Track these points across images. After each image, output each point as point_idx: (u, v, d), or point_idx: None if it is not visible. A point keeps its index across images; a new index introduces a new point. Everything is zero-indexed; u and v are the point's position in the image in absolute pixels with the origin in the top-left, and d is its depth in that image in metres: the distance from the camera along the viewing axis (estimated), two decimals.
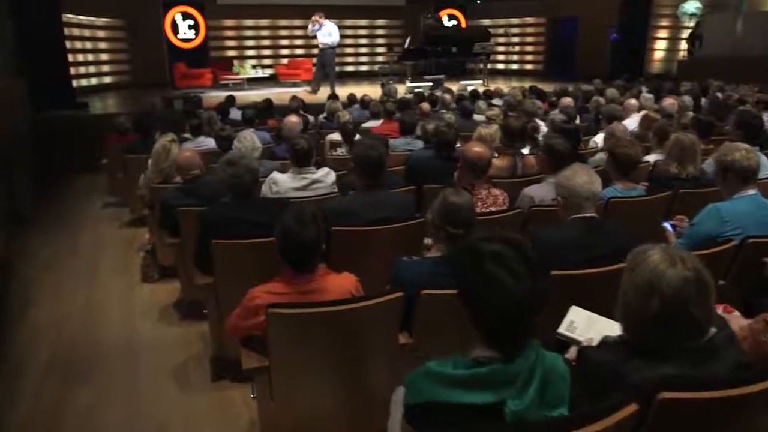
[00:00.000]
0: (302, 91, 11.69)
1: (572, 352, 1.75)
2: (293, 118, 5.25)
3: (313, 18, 12.27)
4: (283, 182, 3.47)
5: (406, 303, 2.03)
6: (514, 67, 19.11)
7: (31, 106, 8.93)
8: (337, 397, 2.07)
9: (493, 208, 3.06)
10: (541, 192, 3.23)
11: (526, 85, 11.92)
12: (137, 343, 3.57)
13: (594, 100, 7.68)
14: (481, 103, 7.80)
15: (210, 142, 5.86)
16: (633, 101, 7.04)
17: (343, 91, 9.51)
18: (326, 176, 3.62)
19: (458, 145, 4.11)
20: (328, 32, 12.18)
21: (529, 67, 18.91)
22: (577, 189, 2.29)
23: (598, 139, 5.29)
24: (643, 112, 6.65)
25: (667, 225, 3.07)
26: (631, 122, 6.16)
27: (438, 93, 9.79)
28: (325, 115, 7.46)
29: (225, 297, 2.75)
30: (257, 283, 2.57)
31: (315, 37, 12.44)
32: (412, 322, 2.06)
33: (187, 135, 6.18)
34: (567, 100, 7.45)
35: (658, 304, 1.33)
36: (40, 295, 4.33)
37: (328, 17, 12.41)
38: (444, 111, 7.42)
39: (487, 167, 3.08)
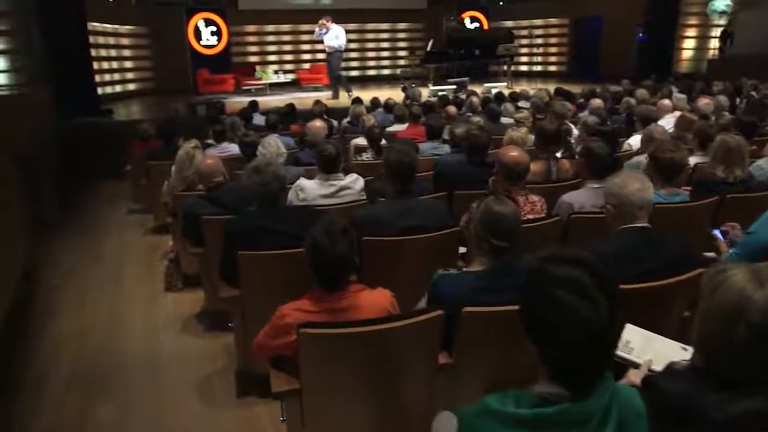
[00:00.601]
0: (323, 96, 11.58)
1: (632, 377, 1.59)
2: (318, 123, 5.14)
3: (321, 21, 12.15)
4: (310, 189, 3.35)
5: (446, 320, 1.89)
6: (538, 68, 18.82)
7: (57, 113, 8.99)
8: (372, 422, 1.93)
9: (530, 216, 2.90)
10: (580, 198, 3.06)
11: (550, 86, 11.71)
12: (160, 356, 3.48)
13: (624, 101, 7.46)
14: (508, 106, 7.62)
15: (233, 148, 5.79)
16: (666, 102, 6.81)
17: (365, 95, 9.40)
18: (354, 183, 3.49)
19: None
20: (335, 35, 12.05)
21: (552, 68, 18.62)
22: (630, 197, 2.13)
23: (633, 141, 5.09)
24: (677, 113, 6.43)
25: (717, 233, 2.87)
26: (666, 123, 5.93)
27: (463, 96, 9.64)
28: (349, 119, 7.35)
29: (251, 310, 2.63)
30: (285, 296, 2.45)
31: (322, 41, 12.34)
32: (453, 341, 1.91)
33: (210, 141, 6.13)
34: (597, 102, 7.25)
35: (746, 331, 1.16)
36: (63, 304, 4.28)
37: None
38: (470, 114, 7.27)
39: (524, 173, 2.92)
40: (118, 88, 13.73)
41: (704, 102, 6.70)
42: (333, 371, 1.82)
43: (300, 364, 1.77)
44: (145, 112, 11.59)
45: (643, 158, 4.19)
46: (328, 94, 12.66)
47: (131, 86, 14.34)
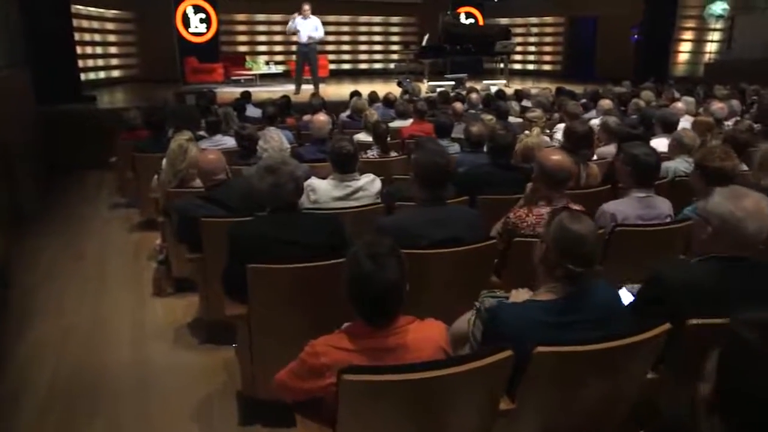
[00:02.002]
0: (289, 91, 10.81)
1: None
2: (322, 117, 4.80)
3: (305, 8, 10.99)
4: (323, 190, 3.02)
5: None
6: (531, 67, 18.61)
7: (36, 98, 8.52)
8: None
9: None
10: (624, 208, 2.78)
11: (546, 86, 11.45)
12: (150, 372, 3.12)
13: (633, 103, 7.21)
14: (514, 104, 7.33)
15: (228, 141, 5.43)
16: (681, 105, 6.58)
17: (356, 89, 8.98)
18: (371, 184, 3.17)
19: None
20: (314, 27, 11.02)
21: (547, 67, 18.41)
22: (743, 221, 1.74)
23: (655, 144, 4.82)
24: (689, 117, 6.20)
25: None
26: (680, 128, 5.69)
27: (462, 92, 9.34)
28: (348, 113, 7.00)
29: (260, 330, 2.31)
30: (301, 316, 2.13)
31: (295, 32, 11.05)
32: (518, 384, 1.59)
33: (202, 133, 5.74)
34: (606, 103, 6.97)
35: None
36: (40, 308, 3.89)
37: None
38: (473, 111, 6.97)
39: (567, 179, 2.62)
40: (101, 75, 13.20)
41: (718, 106, 6.47)
42: (376, 421, 1.50)
43: (339, 413, 1.44)
44: (130, 100, 11.10)
45: (673, 164, 3.93)
46: (321, 86, 12.24)
47: (115, 73, 13.81)
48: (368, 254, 1.54)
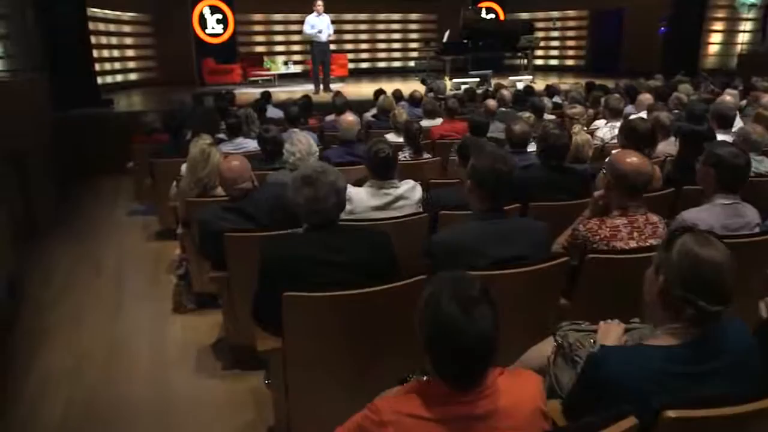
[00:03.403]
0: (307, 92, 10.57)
1: None
2: (350, 117, 4.48)
3: (318, 4, 10.67)
4: (359, 199, 2.69)
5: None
6: (553, 62, 18.11)
7: (54, 103, 8.34)
8: None
9: (652, 242, 2.24)
10: (706, 217, 2.42)
11: (570, 80, 11.01)
12: (170, 404, 2.82)
13: (674, 98, 6.77)
14: (546, 100, 6.95)
15: (250, 144, 5.14)
16: (729, 99, 6.14)
17: (374, 89, 8.64)
18: (412, 191, 2.84)
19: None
20: (327, 24, 10.77)
21: (569, 62, 17.90)
22: None
23: None
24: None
25: None
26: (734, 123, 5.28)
27: (488, 89, 8.98)
28: (374, 112, 6.68)
29: (298, 366, 1.99)
30: (345, 350, 1.81)
31: (319, 32, 10.68)
32: None
33: (221, 135, 5.47)
34: (646, 97, 6.57)
35: None
36: (54, 329, 3.62)
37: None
38: (503, 109, 6.60)
39: (646, 185, 2.27)
40: (118, 78, 13.03)
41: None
42: None
43: None
44: (148, 103, 10.92)
45: None
46: (341, 85, 11.95)
47: (132, 76, 13.65)
48: (455, 298, 1.20)
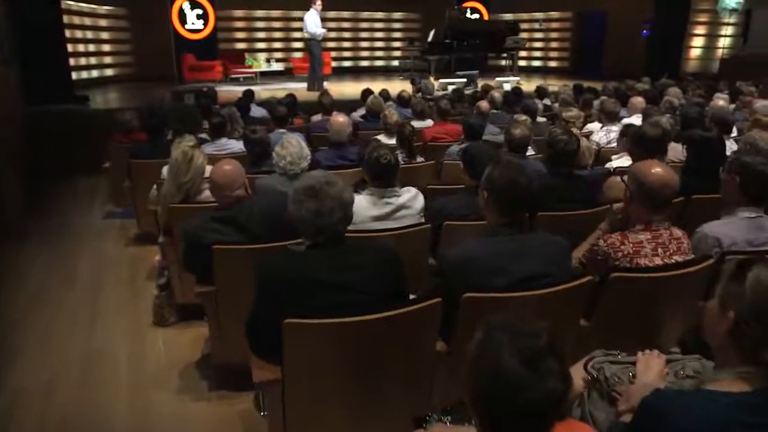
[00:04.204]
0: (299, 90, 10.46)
1: None
2: (341, 118, 4.27)
3: (318, 3, 10.87)
4: (360, 209, 2.49)
5: None
6: (536, 63, 18.08)
7: (26, 99, 7.98)
8: None
9: (677, 258, 2.09)
10: (731, 231, 2.28)
11: (553, 83, 10.93)
12: (152, 425, 2.61)
13: (666, 101, 6.68)
14: (537, 102, 6.83)
15: (234, 145, 4.91)
16: (722, 103, 6.08)
17: (358, 87, 8.43)
18: (414, 200, 2.66)
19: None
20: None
21: (553, 64, 17.90)
22: None
23: None
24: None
25: None
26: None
27: (472, 90, 8.84)
28: (362, 113, 6.48)
29: (299, 398, 1.79)
30: (354, 384, 1.64)
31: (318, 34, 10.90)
32: None
33: (204, 135, 5.22)
34: (639, 100, 6.47)
35: None
36: (25, 345, 3.35)
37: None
38: (496, 111, 6.46)
39: (671, 198, 2.11)
40: (94, 74, 12.63)
41: (763, 104, 5.99)
42: None
43: None
44: (125, 100, 10.57)
45: None
46: (325, 84, 11.73)
47: (109, 71, 13.24)
48: (519, 352, 1.02)
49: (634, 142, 3.07)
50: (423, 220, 2.69)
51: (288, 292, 1.72)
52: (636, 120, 6.00)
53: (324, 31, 10.90)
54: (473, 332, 1.14)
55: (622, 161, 4.16)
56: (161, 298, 3.48)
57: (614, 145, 4.87)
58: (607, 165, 4.13)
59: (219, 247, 2.38)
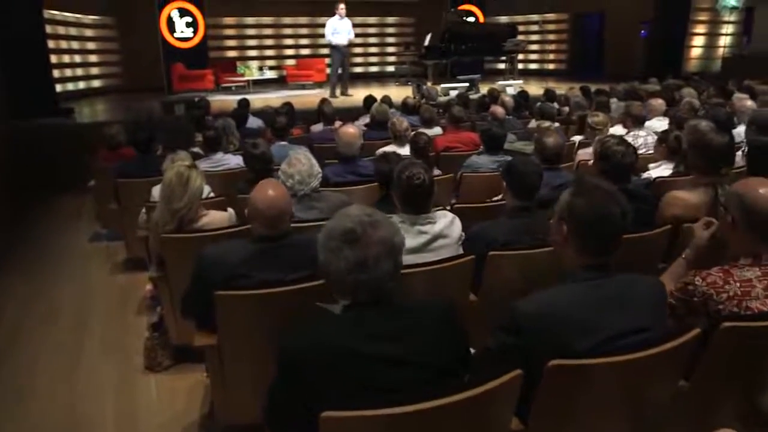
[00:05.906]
0: (316, 95, 10.17)
1: None
2: (351, 129, 3.86)
3: (341, 7, 10.83)
4: None
5: None
6: (533, 66, 17.76)
7: (5, 112, 7.54)
8: None
9: None
10: None
11: (551, 85, 10.57)
12: None
13: (685, 103, 6.31)
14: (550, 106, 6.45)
15: (230, 160, 4.49)
16: (749, 103, 5.71)
17: (356, 94, 8.05)
18: (450, 227, 2.24)
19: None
20: (348, 28, 10.99)
21: (551, 66, 17.58)
22: None
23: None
24: None
25: None
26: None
27: (475, 95, 8.47)
28: (366, 121, 6.07)
29: None
30: None
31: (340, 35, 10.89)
32: None
33: (197, 149, 4.80)
34: (659, 102, 6.12)
35: None
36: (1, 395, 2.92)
37: (334, 14, 11.03)
38: (508, 117, 6.08)
39: None
40: (80, 85, 12.16)
41: None
42: None
43: None
44: (112, 112, 10.13)
45: None
46: (320, 92, 11.36)
47: (96, 83, 12.77)
48: None
49: (698, 154, 2.65)
50: (462, 251, 2.27)
51: (319, 367, 1.28)
52: (658, 123, 5.64)
53: (345, 38, 10.81)
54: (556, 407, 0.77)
55: (662, 170, 3.79)
56: (153, 340, 3.04)
57: (642, 150, 4.51)
58: (645, 174, 3.75)
59: (222, 294, 1.96)
